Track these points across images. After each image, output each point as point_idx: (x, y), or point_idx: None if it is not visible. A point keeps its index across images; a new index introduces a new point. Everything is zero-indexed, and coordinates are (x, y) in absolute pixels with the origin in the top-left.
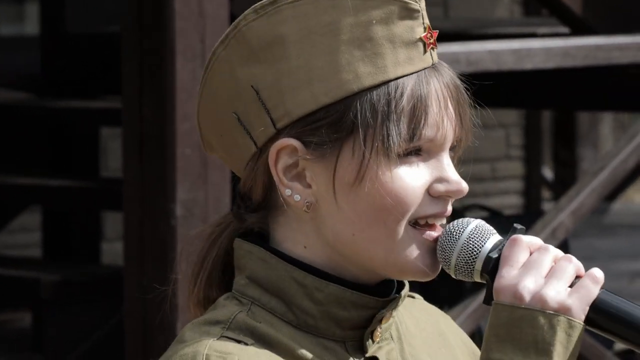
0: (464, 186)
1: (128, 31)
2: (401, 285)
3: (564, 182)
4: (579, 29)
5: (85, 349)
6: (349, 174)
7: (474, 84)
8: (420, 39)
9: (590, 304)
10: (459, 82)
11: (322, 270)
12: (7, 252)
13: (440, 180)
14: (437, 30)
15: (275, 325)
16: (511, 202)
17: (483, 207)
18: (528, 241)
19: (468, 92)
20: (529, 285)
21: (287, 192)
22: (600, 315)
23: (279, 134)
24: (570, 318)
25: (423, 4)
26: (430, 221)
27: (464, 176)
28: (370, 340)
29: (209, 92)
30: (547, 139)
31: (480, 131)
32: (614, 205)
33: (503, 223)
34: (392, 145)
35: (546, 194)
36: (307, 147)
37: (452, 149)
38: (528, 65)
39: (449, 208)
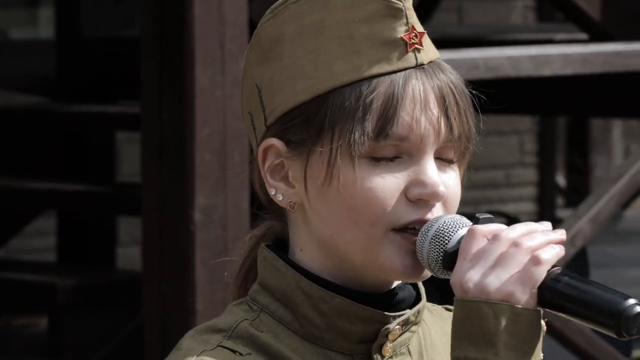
0: (440, 189)
1: (147, 36)
2: (419, 297)
3: (577, 189)
4: (597, 35)
5: (102, 354)
6: (319, 174)
7: (480, 91)
8: (401, 39)
9: (535, 287)
10: (455, 86)
11: (326, 278)
12: (22, 257)
13: (415, 183)
14: (424, 32)
15: (279, 335)
16: (525, 209)
17: (500, 214)
18: (484, 230)
19: (471, 99)
20: (474, 277)
21: (272, 191)
22: (550, 296)
23: (268, 132)
24: (514, 305)
25: (409, 4)
26: (417, 226)
27: (478, 183)
28: (378, 355)
29: (242, 94)
30: (560, 145)
31: (494, 138)
32: (628, 212)
33: None
34: (355, 143)
35: (560, 200)
36: (288, 146)
37: (449, 161)
38: (547, 71)
39: (431, 214)
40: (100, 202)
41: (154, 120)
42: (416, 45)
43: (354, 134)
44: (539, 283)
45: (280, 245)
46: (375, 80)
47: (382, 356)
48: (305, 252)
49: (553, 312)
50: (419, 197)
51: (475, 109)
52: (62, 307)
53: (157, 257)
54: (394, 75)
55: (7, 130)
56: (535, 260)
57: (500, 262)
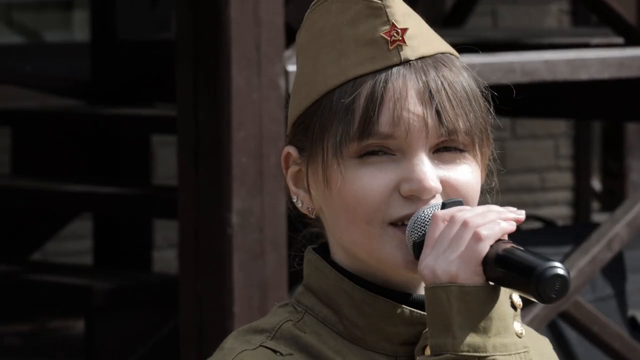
0: (428, 184)
1: (183, 38)
2: None
3: (612, 193)
4: (633, 39)
5: (137, 356)
6: (319, 178)
7: (513, 94)
8: (382, 37)
9: (478, 263)
10: (447, 81)
11: (370, 280)
12: (58, 260)
13: (405, 179)
14: (407, 27)
15: (322, 336)
16: (560, 213)
17: (537, 218)
18: (444, 215)
19: (484, 94)
20: (429, 263)
21: (294, 198)
22: (489, 270)
23: (287, 140)
24: (462, 285)
25: (391, 2)
26: (407, 222)
27: (512, 186)
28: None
29: None
30: (595, 149)
31: (529, 141)
32: None
33: (558, 233)
34: (340, 145)
35: (595, 204)
36: (299, 152)
37: (459, 151)
38: (583, 75)
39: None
40: (136, 205)
41: (189, 122)
42: (398, 42)
43: (338, 136)
44: (481, 259)
45: (326, 248)
46: (359, 81)
47: None
48: (336, 255)
49: (502, 286)
50: (409, 192)
51: (489, 103)
52: (98, 309)
53: (193, 259)
54: (377, 74)
55: (42, 132)
56: (476, 237)
57: (451, 244)
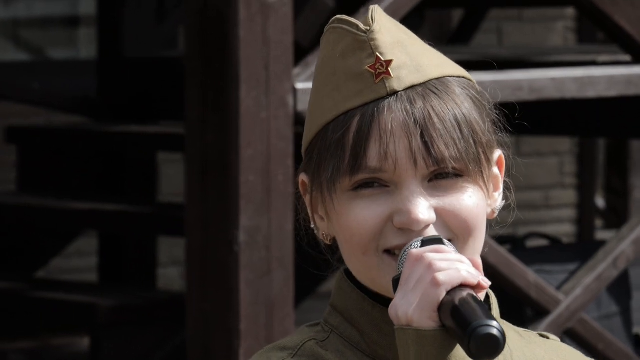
0: (417, 217)
1: (191, 57)
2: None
3: (616, 211)
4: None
5: None
6: (321, 209)
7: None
8: (367, 70)
9: (434, 308)
10: (434, 110)
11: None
12: (63, 277)
13: (397, 211)
14: (392, 59)
15: (345, 354)
16: (565, 231)
17: (543, 235)
18: (416, 254)
19: (480, 119)
20: (396, 302)
21: (312, 224)
22: (442, 317)
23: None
24: (418, 328)
25: (375, 34)
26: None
27: (516, 204)
28: None
29: None
30: (599, 167)
31: (533, 159)
32: None
33: (564, 251)
34: (334, 180)
35: (598, 222)
36: (309, 181)
37: (456, 176)
38: (591, 93)
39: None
40: (141, 222)
41: (197, 140)
42: (384, 75)
43: (330, 171)
44: (436, 305)
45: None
46: (349, 115)
47: None
48: (357, 278)
49: (452, 335)
50: (400, 225)
51: (497, 122)
52: (103, 327)
53: (199, 277)
54: (365, 107)
55: (48, 150)
56: (433, 282)
57: (415, 285)
